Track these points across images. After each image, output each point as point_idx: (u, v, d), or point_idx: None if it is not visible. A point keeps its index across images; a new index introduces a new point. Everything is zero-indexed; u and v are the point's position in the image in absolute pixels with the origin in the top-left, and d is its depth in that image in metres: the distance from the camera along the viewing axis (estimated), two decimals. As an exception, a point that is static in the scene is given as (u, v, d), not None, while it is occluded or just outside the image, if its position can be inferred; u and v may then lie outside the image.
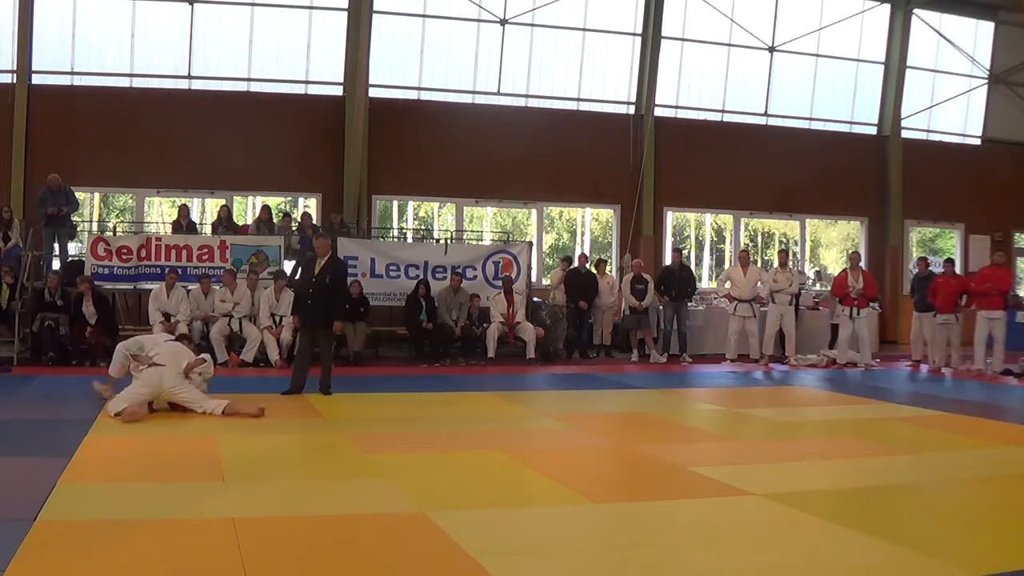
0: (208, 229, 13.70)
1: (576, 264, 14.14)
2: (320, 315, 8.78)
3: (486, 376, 11.42)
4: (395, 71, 16.10)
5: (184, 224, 13.25)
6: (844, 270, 13.50)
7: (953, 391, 10.85)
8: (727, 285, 13.63)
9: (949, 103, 19.11)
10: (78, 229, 13.37)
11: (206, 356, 8.29)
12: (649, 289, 13.61)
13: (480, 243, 15.15)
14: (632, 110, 17.13)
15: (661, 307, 13.82)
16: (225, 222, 13.40)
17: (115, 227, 14.29)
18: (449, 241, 14.33)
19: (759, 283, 13.52)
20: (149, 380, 7.42)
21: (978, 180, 18.55)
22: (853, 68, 18.39)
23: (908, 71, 18.34)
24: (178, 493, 4.92)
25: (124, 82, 15.01)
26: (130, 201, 16.28)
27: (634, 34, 16.97)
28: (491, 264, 13.62)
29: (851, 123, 18.57)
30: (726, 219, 18.61)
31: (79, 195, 13.54)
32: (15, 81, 14.26)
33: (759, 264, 17.31)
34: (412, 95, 16.25)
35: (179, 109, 14.93)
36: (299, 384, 8.80)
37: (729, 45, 17.53)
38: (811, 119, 18.28)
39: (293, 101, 15.57)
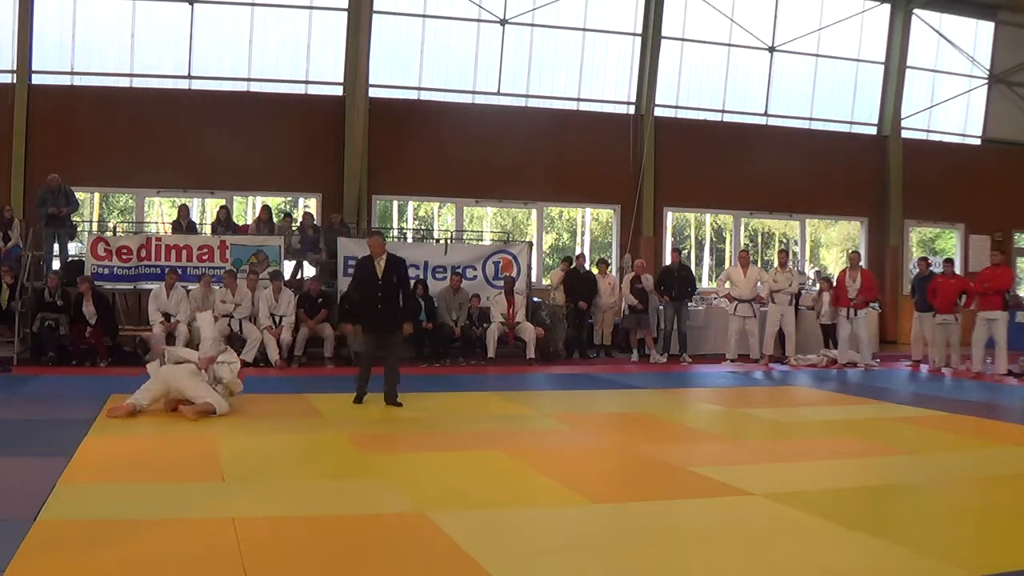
0: (208, 229, 13.70)
1: (575, 264, 14.15)
2: (391, 319, 8.29)
3: (486, 376, 11.42)
4: (395, 71, 16.10)
5: (184, 224, 13.24)
6: (843, 270, 13.49)
7: (953, 391, 10.85)
8: (727, 285, 13.63)
9: (949, 103, 19.11)
10: (78, 229, 13.37)
11: (227, 348, 8.25)
12: (647, 287, 13.61)
13: (480, 243, 15.14)
14: (632, 110, 17.13)
15: (661, 307, 13.82)
16: (224, 223, 13.40)
17: (115, 227, 14.29)
18: (449, 241, 14.33)
19: (759, 283, 13.52)
20: (161, 377, 7.57)
21: (978, 180, 18.55)
22: (853, 68, 18.39)
23: (908, 71, 18.34)
24: (178, 493, 4.92)
25: (124, 82, 15.01)
26: (130, 201, 16.29)
27: (634, 34, 16.97)
28: (491, 264, 13.61)
29: (851, 123, 18.57)
30: (726, 219, 18.62)
31: (79, 195, 13.53)
32: (15, 81, 14.27)
33: (759, 264, 17.32)
34: (412, 95, 16.25)
35: (179, 109, 14.94)
36: (363, 392, 8.31)
37: (729, 45, 17.53)
38: (811, 119, 18.28)
39: (293, 101, 15.58)
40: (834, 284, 13.64)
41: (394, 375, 8.31)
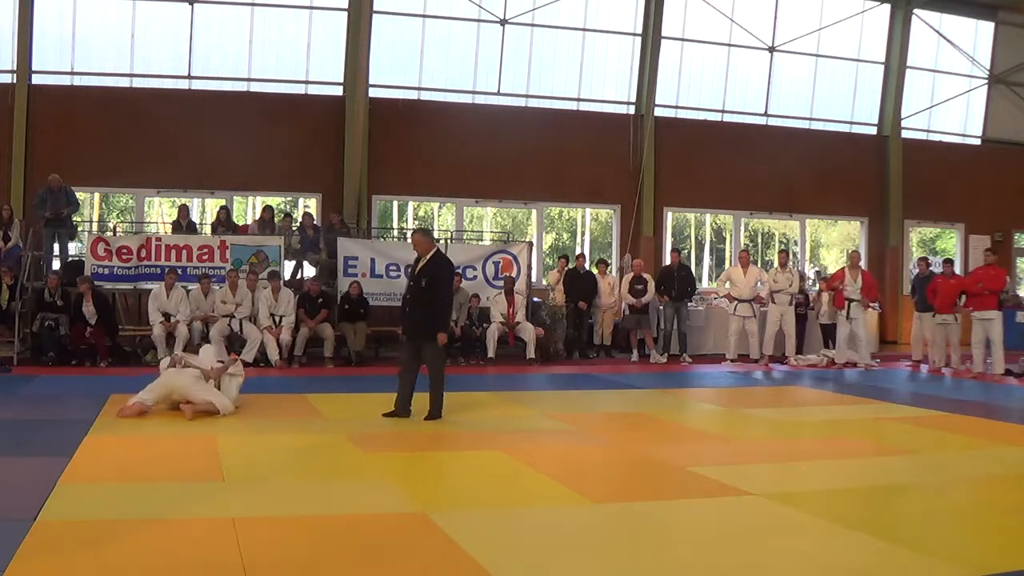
0: (208, 229, 13.69)
1: (575, 265, 14.15)
2: (419, 326, 7.56)
3: (486, 376, 11.42)
4: (395, 71, 16.09)
5: (184, 224, 13.24)
6: (843, 268, 13.49)
7: (953, 391, 10.85)
8: (727, 285, 13.64)
9: (949, 103, 19.11)
10: (78, 229, 13.37)
11: (236, 359, 8.24)
12: (649, 288, 13.62)
13: (480, 243, 15.14)
14: (632, 110, 17.13)
15: (661, 307, 13.82)
16: (224, 223, 13.40)
17: (115, 227, 14.29)
18: (449, 241, 14.33)
19: (759, 283, 13.52)
20: (164, 380, 7.64)
21: (978, 180, 18.56)
22: (853, 68, 18.39)
23: (908, 71, 18.34)
24: (178, 493, 4.92)
25: (124, 82, 15.01)
26: (130, 201, 16.28)
27: (634, 34, 16.97)
28: (491, 264, 13.63)
29: (851, 123, 18.57)
30: (726, 219, 18.62)
31: (79, 195, 13.53)
32: (15, 81, 14.26)
33: (759, 264, 17.32)
34: (412, 95, 16.24)
35: (179, 109, 14.93)
36: (403, 406, 7.60)
37: (729, 45, 17.53)
38: (811, 119, 18.28)
39: (293, 101, 15.57)
40: (829, 279, 13.65)
41: (432, 389, 7.58)
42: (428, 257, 7.64)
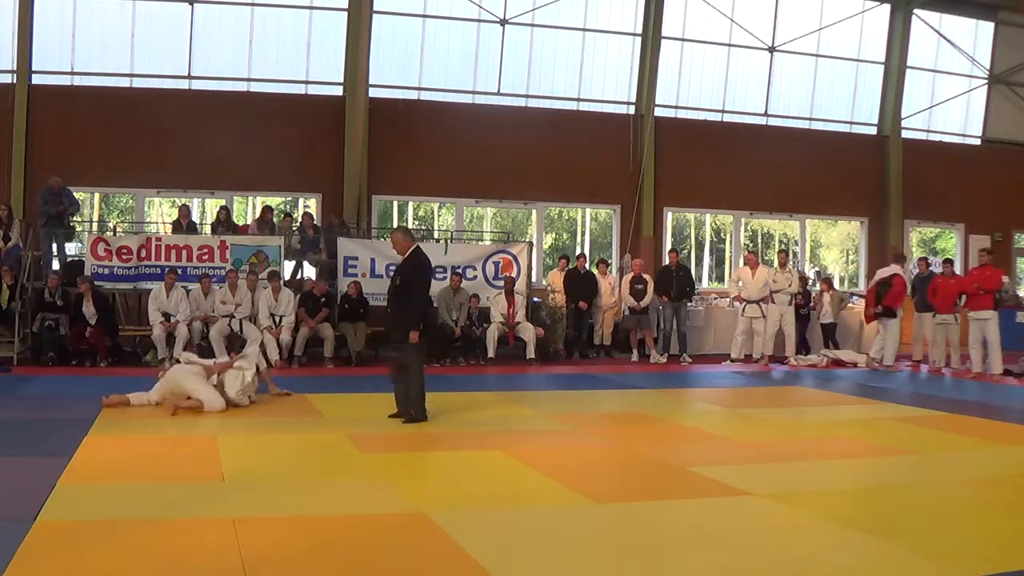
0: (208, 229, 13.69)
1: (575, 265, 14.15)
2: (395, 325, 7.71)
3: (486, 376, 11.42)
4: (395, 71, 16.10)
5: (184, 224, 13.23)
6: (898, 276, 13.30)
7: (953, 391, 10.84)
8: (739, 285, 13.65)
9: (949, 103, 19.12)
10: (78, 229, 13.36)
11: (245, 356, 8.31)
12: (648, 289, 13.62)
13: (480, 243, 15.14)
14: (632, 110, 17.13)
15: (660, 307, 13.82)
16: (224, 223, 13.39)
17: (115, 227, 14.29)
18: (449, 241, 14.32)
19: (768, 283, 13.48)
20: (168, 376, 7.92)
21: (978, 180, 18.56)
22: (853, 68, 18.40)
23: (908, 71, 18.34)
24: (178, 493, 4.92)
25: (124, 82, 15.01)
26: (130, 201, 16.28)
27: (634, 34, 16.97)
28: (491, 264, 13.62)
29: (851, 123, 18.58)
30: (726, 219, 18.62)
31: (79, 195, 13.53)
32: (15, 81, 14.26)
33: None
34: (412, 95, 16.25)
35: (179, 109, 14.93)
36: (401, 406, 7.58)
37: (729, 45, 17.54)
38: (811, 119, 18.28)
39: (293, 101, 15.57)
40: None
41: (411, 386, 7.52)
42: (406, 255, 7.66)
